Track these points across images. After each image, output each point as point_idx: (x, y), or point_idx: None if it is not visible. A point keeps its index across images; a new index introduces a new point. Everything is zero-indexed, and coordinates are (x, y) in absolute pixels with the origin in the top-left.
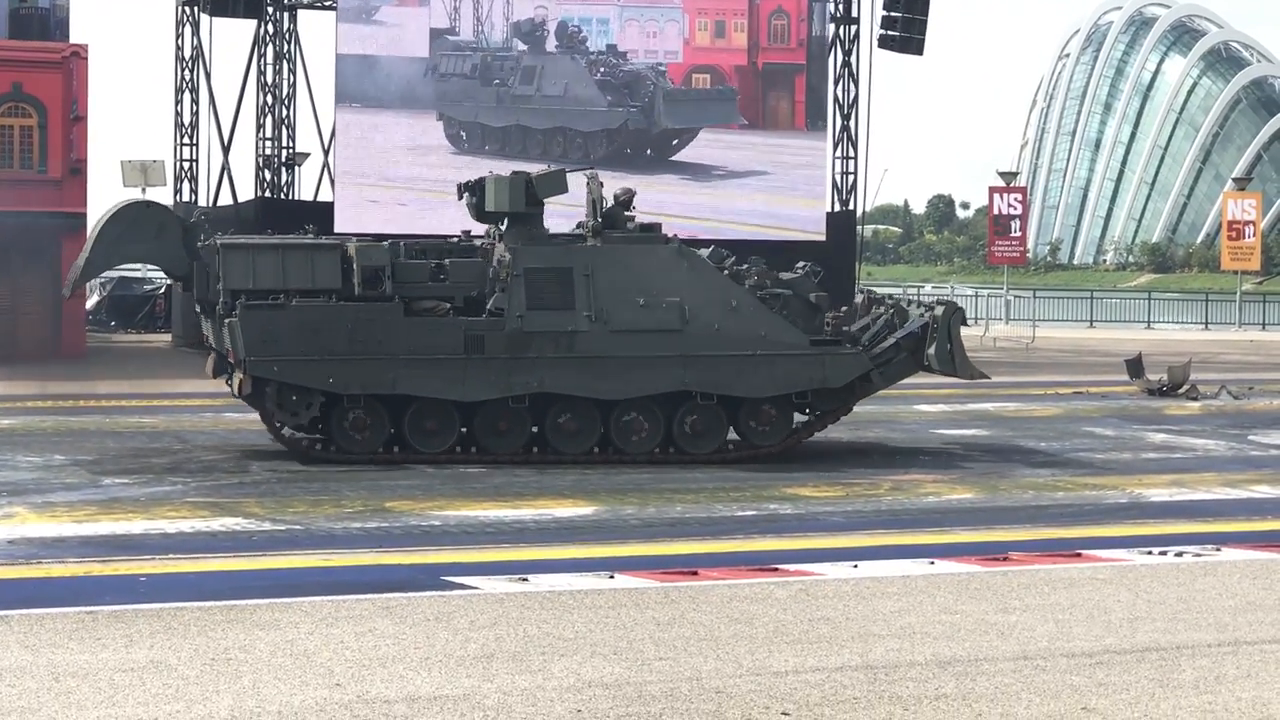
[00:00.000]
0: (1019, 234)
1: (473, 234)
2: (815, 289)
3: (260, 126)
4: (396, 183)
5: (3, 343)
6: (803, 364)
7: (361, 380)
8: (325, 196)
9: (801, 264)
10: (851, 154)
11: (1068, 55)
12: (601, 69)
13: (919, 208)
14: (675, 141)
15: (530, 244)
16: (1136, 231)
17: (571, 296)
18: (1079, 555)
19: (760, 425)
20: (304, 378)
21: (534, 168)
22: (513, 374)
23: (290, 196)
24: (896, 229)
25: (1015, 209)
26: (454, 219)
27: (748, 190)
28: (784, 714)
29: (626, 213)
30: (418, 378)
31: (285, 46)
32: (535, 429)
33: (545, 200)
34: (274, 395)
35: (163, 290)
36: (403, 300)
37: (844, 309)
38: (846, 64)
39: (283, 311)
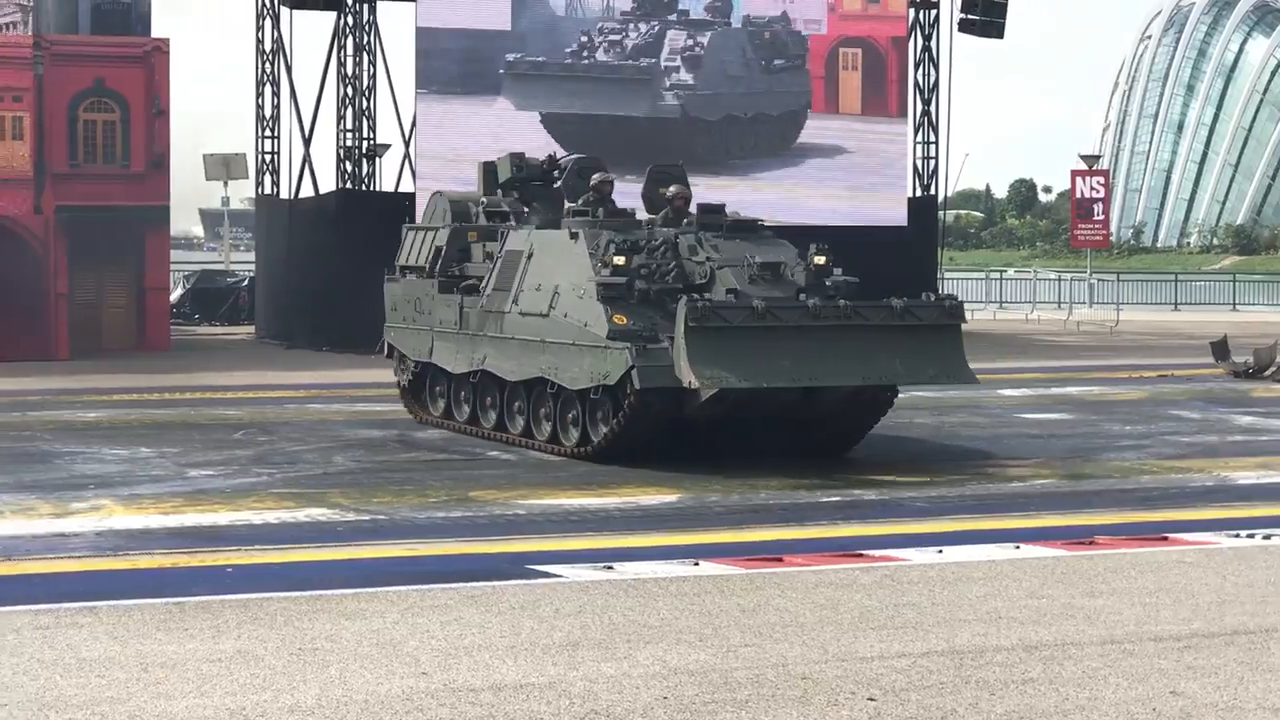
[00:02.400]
0: (1102, 217)
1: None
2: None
3: (341, 118)
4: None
5: (88, 336)
6: (595, 358)
7: (416, 348)
8: (406, 187)
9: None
10: (933, 139)
11: (1149, 37)
12: (614, 35)
13: (1001, 192)
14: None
15: (515, 227)
16: (1220, 214)
17: (513, 278)
18: (1165, 539)
19: (594, 420)
20: (400, 343)
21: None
22: (474, 350)
23: (371, 188)
24: (978, 214)
25: (1098, 192)
26: None
27: (834, 178)
28: (870, 699)
29: (596, 195)
30: (438, 348)
31: (365, 38)
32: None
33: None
34: (397, 359)
35: (245, 283)
36: (448, 278)
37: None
38: (927, 48)
39: (394, 285)
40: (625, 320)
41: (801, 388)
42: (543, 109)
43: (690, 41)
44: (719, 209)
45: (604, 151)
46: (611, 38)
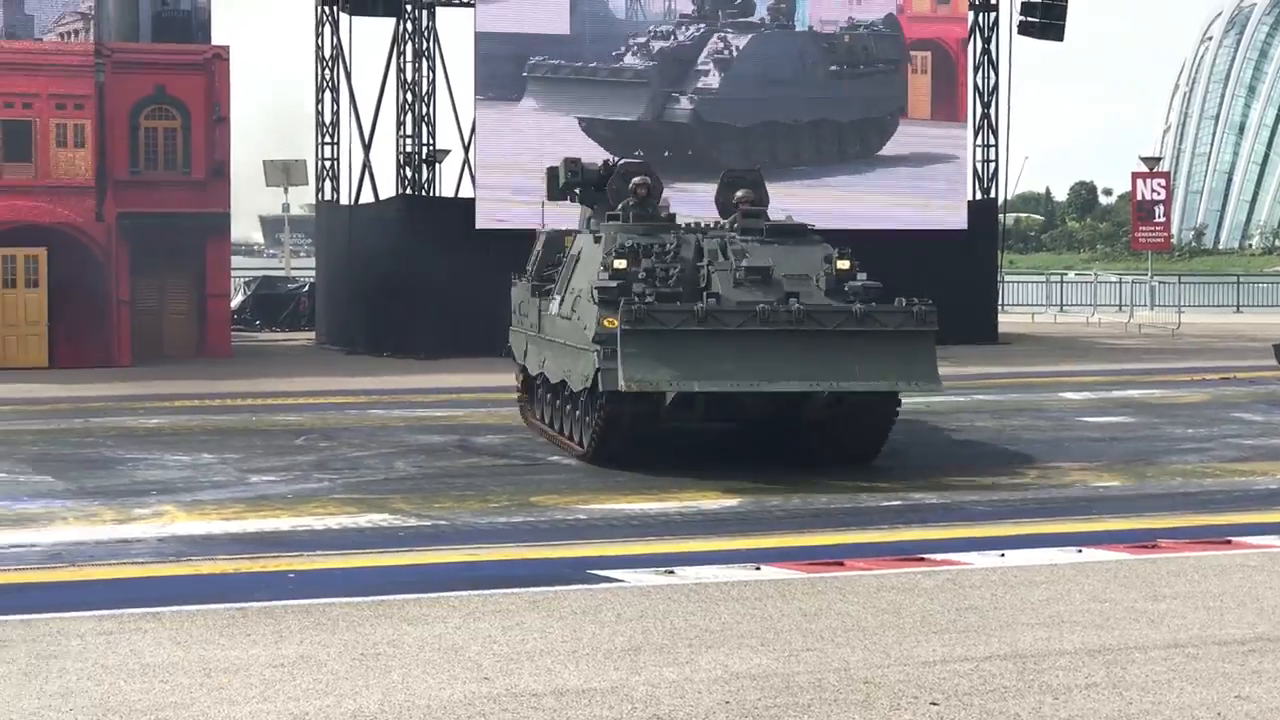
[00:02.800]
0: (1163, 219)
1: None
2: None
3: (400, 124)
4: (538, 178)
5: (150, 343)
6: (585, 360)
7: (519, 349)
8: (466, 192)
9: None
10: (992, 142)
11: (1210, 38)
12: (641, 38)
13: (1061, 195)
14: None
15: (582, 232)
16: None
17: (565, 283)
18: (1229, 542)
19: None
20: (513, 344)
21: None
22: (541, 352)
23: (431, 193)
24: (1039, 216)
25: (1159, 194)
26: None
27: (897, 183)
28: (933, 703)
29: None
30: (529, 350)
31: (424, 44)
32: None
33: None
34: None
35: (306, 289)
36: (540, 281)
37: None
38: (986, 51)
39: (514, 289)
40: (615, 324)
41: (775, 393)
42: (558, 112)
43: (721, 45)
44: (759, 213)
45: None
46: (638, 39)
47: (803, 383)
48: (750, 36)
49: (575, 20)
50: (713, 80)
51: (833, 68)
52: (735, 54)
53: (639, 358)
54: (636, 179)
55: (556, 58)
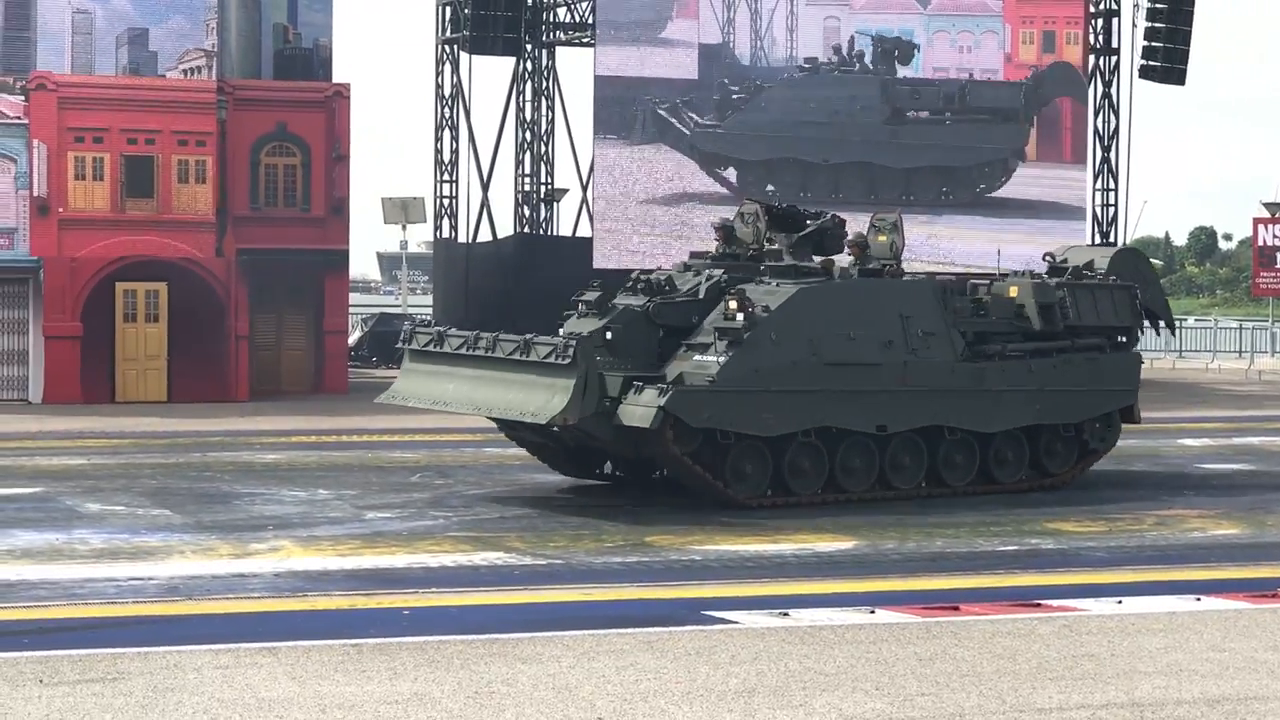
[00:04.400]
0: None
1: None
2: None
3: (519, 163)
4: (655, 216)
5: (267, 378)
6: None
7: None
8: (584, 232)
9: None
10: (1112, 186)
11: None
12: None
13: (1180, 239)
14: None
15: None
16: None
17: None
18: None
19: None
20: None
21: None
22: None
23: (549, 232)
24: (1158, 261)
25: None
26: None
27: (1009, 225)
28: None
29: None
30: None
31: (544, 83)
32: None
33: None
34: None
35: None
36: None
37: None
38: (1106, 95)
39: None
40: None
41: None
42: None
43: (740, 89)
44: (775, 253)
45: None
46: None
47: (471, 408)
48: (780, 79)
49: (702, 66)
50: (716, 119)
51: (912, 114)
52: (752, 96)
53: (406, 374)
54: (715, 221)
55: (667, 101)
